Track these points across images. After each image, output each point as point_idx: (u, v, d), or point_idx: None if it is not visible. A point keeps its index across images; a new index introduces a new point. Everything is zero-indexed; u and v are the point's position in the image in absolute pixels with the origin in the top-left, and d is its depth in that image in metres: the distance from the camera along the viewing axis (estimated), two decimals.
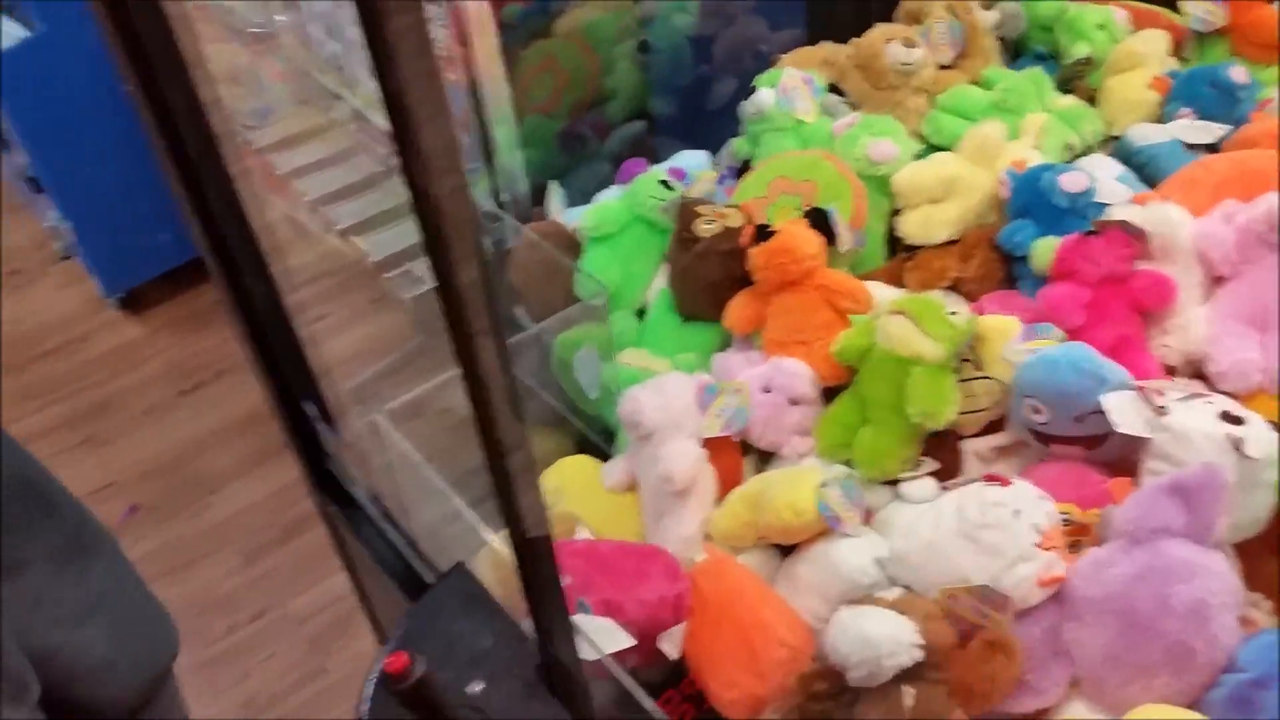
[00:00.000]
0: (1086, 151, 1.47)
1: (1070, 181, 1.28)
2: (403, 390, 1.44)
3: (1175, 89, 1.47)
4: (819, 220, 1.28)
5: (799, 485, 1.08)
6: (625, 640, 0.95)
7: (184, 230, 1.04)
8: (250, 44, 1.86)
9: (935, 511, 1.04)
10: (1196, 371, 1.20)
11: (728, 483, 1.20)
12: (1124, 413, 1.05)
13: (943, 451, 1.17)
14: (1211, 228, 1.19)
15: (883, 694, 0.92)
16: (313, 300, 1.39)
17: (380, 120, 1.77)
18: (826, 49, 1.58)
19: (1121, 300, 1.21)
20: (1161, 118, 1.48)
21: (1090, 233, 1.23)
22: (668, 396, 1.19)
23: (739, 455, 1.23)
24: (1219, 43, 1.63)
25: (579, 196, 1.55)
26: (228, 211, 1.14)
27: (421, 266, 1.61)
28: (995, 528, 0.97)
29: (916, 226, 1.36)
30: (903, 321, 1.14)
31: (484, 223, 1.51)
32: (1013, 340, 1.16)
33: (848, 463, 1.19)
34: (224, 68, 1.93)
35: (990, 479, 1.02)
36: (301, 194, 1.79)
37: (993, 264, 1.33)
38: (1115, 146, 1.47)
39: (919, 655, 0.91)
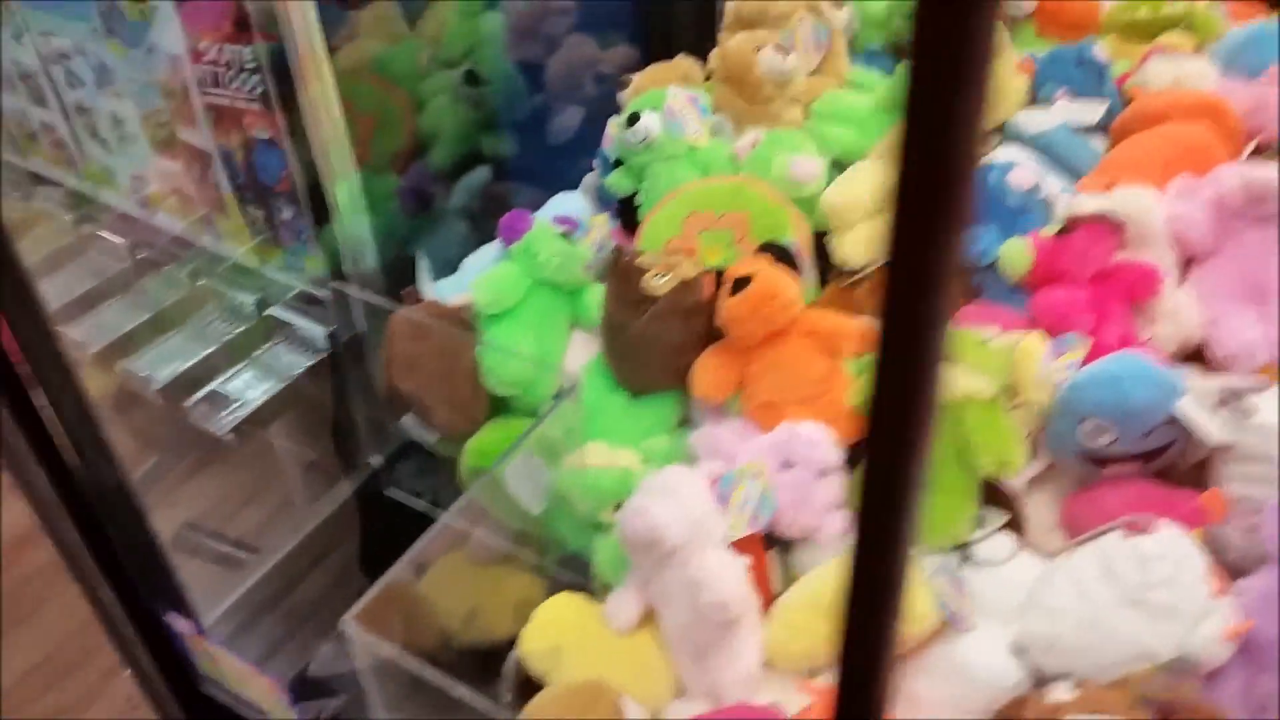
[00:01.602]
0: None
1: (1020, 178, 1.18)
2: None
3: (1041, 70, 1.42)
4: (780, 257, 1.08)
5: None
6: None
7: None
8: None
9: (1069, 579, 0.88)
10: (1188, 358, 1.14)
11: (761, 589, 0.97)
12: (1204, 419, 0.95)
13: (994, 498, 1.01)
14: (1182, 208, 1.13)
15: None
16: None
17: (122, 203, 1.34)
18: (685, 64, 1.38)
19: (1114, 296, 1.12)
20: (1035, 100, 1.43)
21: (1062, 230, 1.13)
22: (682, 500, 0.94)
23: (764, 552, 1.01)
24: (1026, 25, 1.63)
25: (436, 263, 1.24)
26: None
27: (232, 384, 1.23)
28: (1164, 585, 0.83)
29: (855, 247, 1.20)
30: None
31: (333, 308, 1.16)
32: (1045, 358, 1.02)
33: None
34: None
35: (1132, 528, 0.87)
36: None
37: None
38: (1003, 135, 1.40)
39: None
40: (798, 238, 1.16)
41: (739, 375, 1.07)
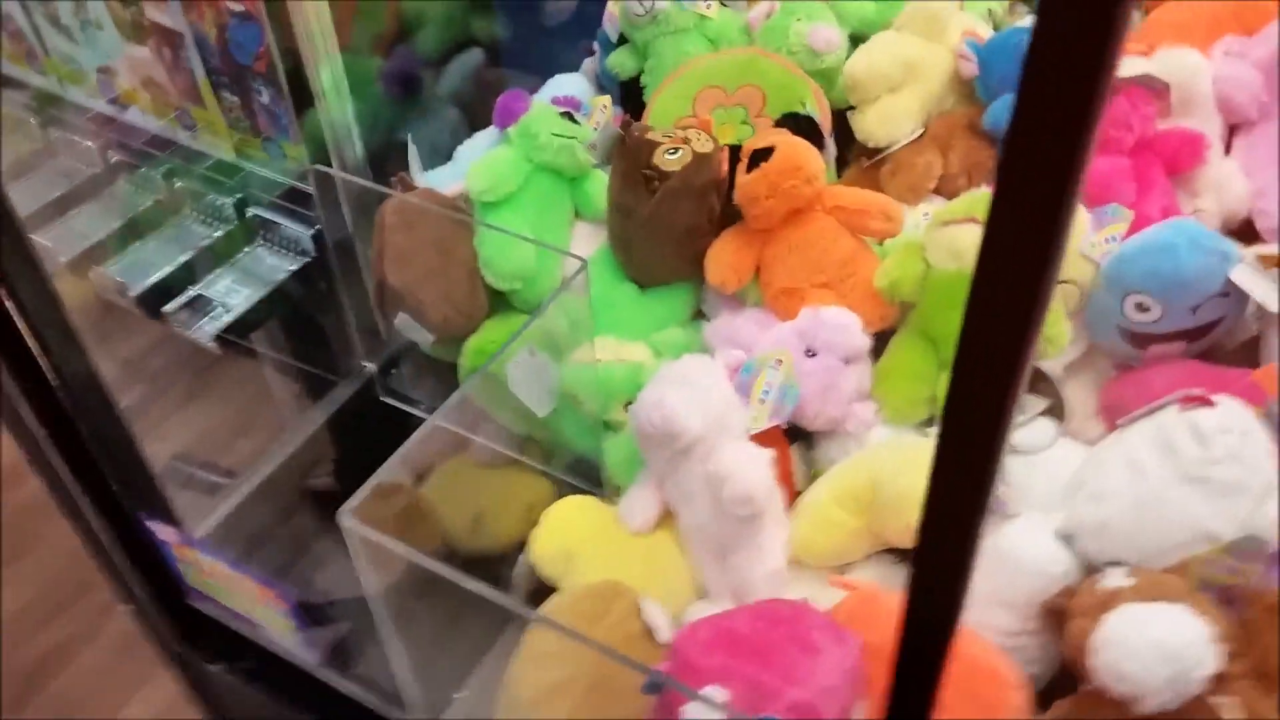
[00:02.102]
0: (1004, 20, 1.29)
1: None
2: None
3: None
4: (800, 129, 1.00)
5: None
6: None
7: None
8: None
9: (1121, 458, 0.81)
10: (1232, 234, 1.06)
11: (784, 485, 0.91)
12: (1265, 286, 0.88)
13: (1033, 384, 0.94)
14: (1230, 69, 1.05)
15: (1190, 716, 0.69)
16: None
17: (90, 101, 1.25)
18: None
19: (1156, 166, 1.04)
20: None
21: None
22: (701, 391, 0.87)
23: (787, 446, 0.94)
24: None
25: (427, 153, 1.16)
26: None
27: (214, 289, 1.15)
28: (1227, 461, 0.76)
29: (879, 123, 1.11)
30: (979, 230, 0.90)
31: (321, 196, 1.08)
32: (1086, 232, 0.95)
33: (930, 421, 0.94)
34: None
35: (1189, 401, 0.80)
36: None
37: (977, 153, 1.12)
38: (1031, 7, 1.31)
39: (1223, 653, 0.69)
40: (820, 111, 1.07)
41: (756, 260, 0.99)
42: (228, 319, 1.16)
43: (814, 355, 0.93)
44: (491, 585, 0.74)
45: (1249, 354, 0.97)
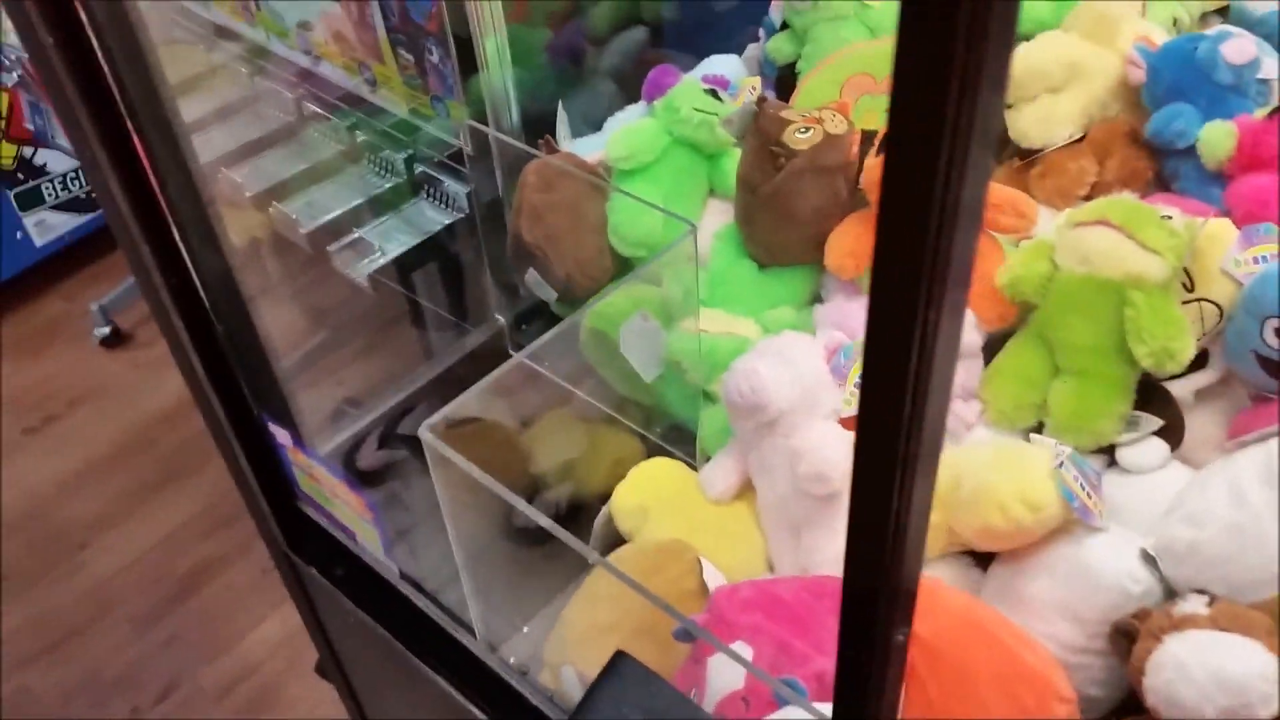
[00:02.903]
0: (1193, 29, 1.22)
1: (1236, 50, 1.02)
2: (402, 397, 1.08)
3: None
4: None
5: (1024, 470, 0.78)
6: None
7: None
8: None
9: (1224, 481, 0.76)
10: None
11: None
12: None
13: (1152, 402, 0.89)
14: None
15: None
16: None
17: (292, 54, 1.37)
18: None
19: None
20: None
21: (1275, 112, 0.98)
22: (793, 366, 0.87)
23: None
24: None
25: (579, 123, 1.20)
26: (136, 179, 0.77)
27: (375, 233, 1.24)
28: None
29: (1035, 123, 1.08)
30: (1109, 233, 0.86)
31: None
32: (1231, 249, 0.89)
33: (1037, 429, 0.90)
34: None
35: None
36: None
37: (1135, 162, 1.06)
38: (1225, 18, 1.23)
39: None
40: None
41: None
42: (382, 261, 1.25)
43: None
44: (572, 531, 0.77)
45: None
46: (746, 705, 0.66)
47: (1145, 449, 0.86)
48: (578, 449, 1.01)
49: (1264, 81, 1.05)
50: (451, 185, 1.29)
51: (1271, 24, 1.18)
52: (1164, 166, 1.06)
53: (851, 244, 0.98)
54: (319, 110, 1.41)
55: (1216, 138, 1.00)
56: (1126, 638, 0.74)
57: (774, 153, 0.98)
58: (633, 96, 1.23)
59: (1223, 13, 1.25)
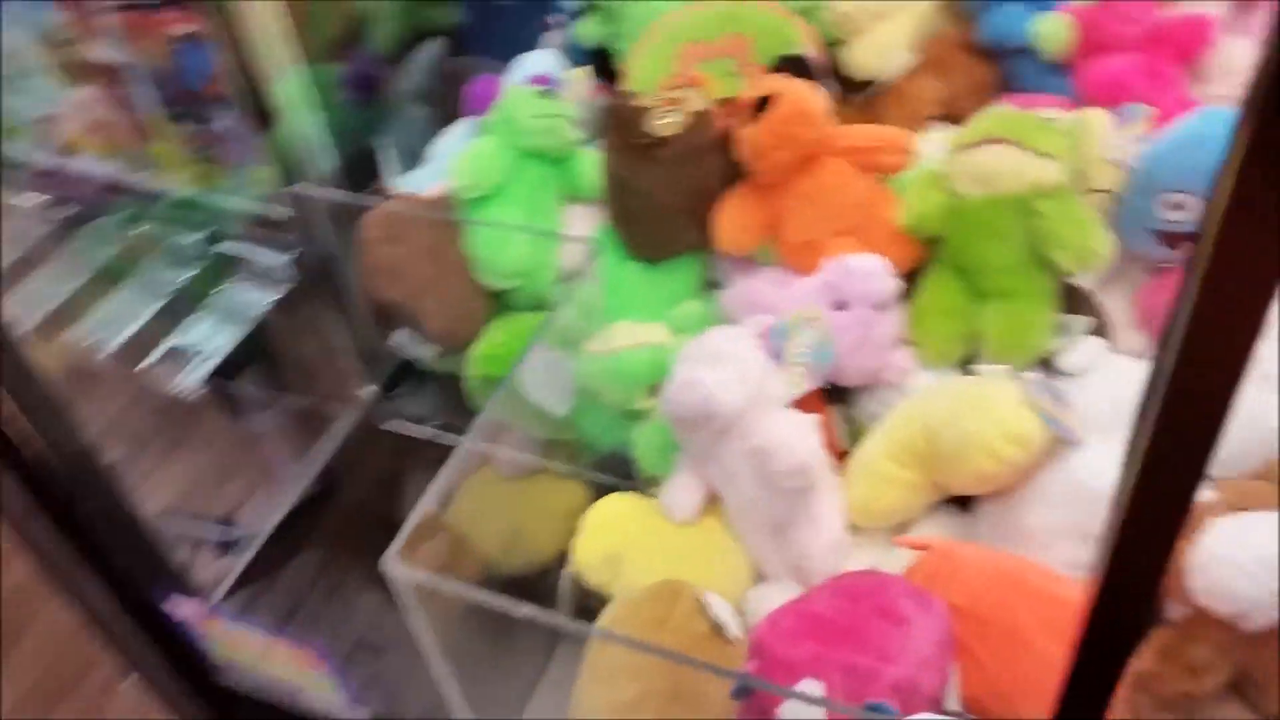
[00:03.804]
0: None
1: None
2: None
3: None
4: (797, 71, 0.94)
5: (999, 409, 0.76)
6: None
7: None
8: None
9: None
10: None
11: (829, 449, 0.85)
12: None
13: (1073, 304, 0.89)
14: None
15: None
16: None
17: (32, 153, 1.17)
18: None
19: (1165, 57, 0.99)
20: None
21: None
22: (735, 364, 0.81)
23: (826, 408, 0.89)
24: None
25: (401, 157, 1.09)
26: None
27: (190, 336, 1.09)
28: None
29: (872, 54, 1.05)
30: (1001, 149, 0.84)
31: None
32: (1108, 135, 0.89)
33: (971, 360, 0.88)
34: None
35: None
36: None
37: (975, 70, 1.06)
38: None
39: None
40: (813, 52, 1.01)
41: (768, 217, 0.93)
42: (209, 365, 1.09)
43: (845, 308, 0.87)
44: (536, 604, 0.68)
45: None
46: None
47: (1083, 350, 0.85)
48: (520, 513, 0.91)
49: None
50: (267, 256, 1.15)
51: None
52: (1002, 69, 1.07)
53: (741, 219, 0.93)
54: (81, 211, 1.22)
55: (1053, 29, 1.00)
56: None
57: (644, 145, 0.91)
58: (447, 116, 1.13)
59: None
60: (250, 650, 0.77)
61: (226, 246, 1.15)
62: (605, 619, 0.78)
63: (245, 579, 0.93)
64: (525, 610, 0.68)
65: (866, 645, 0.64)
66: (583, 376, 0.93)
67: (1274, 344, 0.72)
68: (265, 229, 1.12)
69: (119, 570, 0.77)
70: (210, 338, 1.13)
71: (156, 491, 1.19)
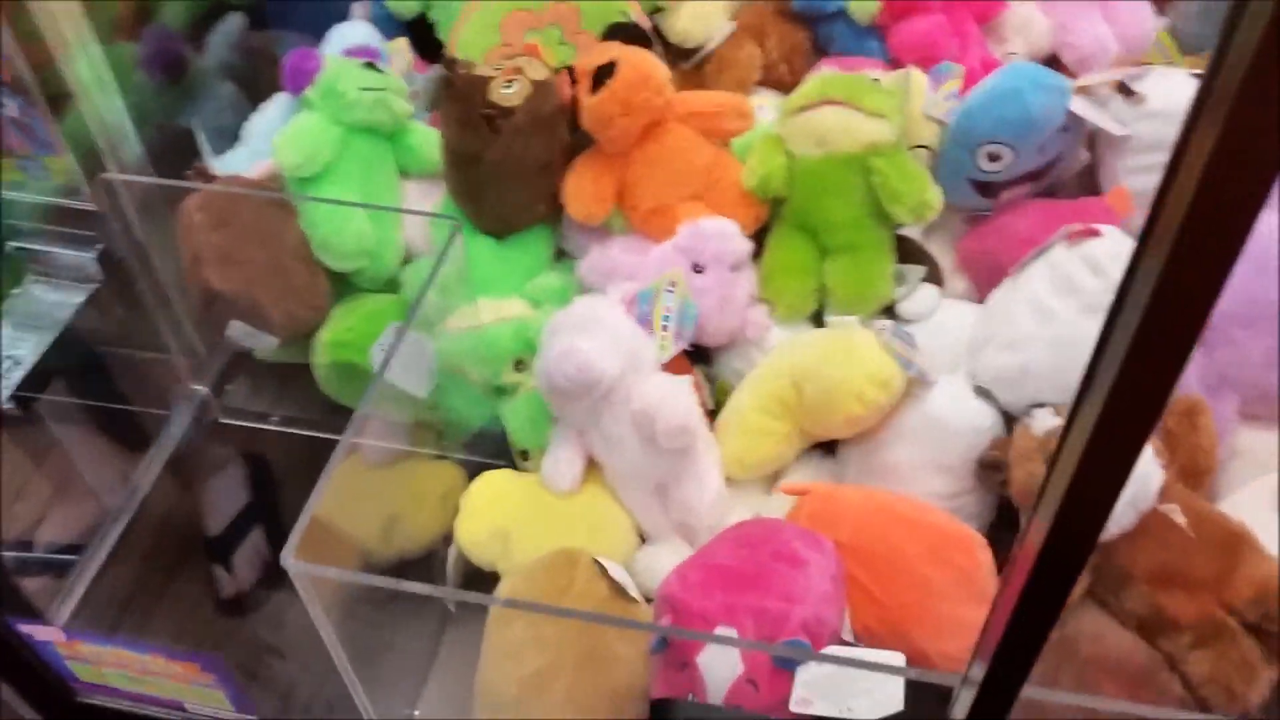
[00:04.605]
0: None
1: None
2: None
3: None
4: (631, 38, 0.95)
5: (860, 356, 0.81)
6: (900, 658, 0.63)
7: None
8: None
9: (1023, 304, 0.83)
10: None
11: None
12: (1104, 114, 0.92)
13: (906, 254, 0.95)
14: None
15: (1149, 528, 0.72)
16: None
17: None
18: None
19: (966, 18, 1.06)
20: None
21: None
22: (608, 331, 0.82)
23: (692, 368, 0.91)
24: None
25: (214, 138, 1.03)
26: None
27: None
28: None
29: (693, 23, 1.08)
30: (835, 110, 0.89)
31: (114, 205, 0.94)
32: (925, 91, 0.96)
33: (820, 312, 0.93)
34: None
35: (1075, 235, 0.82)
36: None
37: (792, 36, 1.11)
38: None
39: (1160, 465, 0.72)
40: (637, 17, 1.02)
41: (617, 185, 0.94)
42: (17, 376, 0.99)
43: (702, 270, 0.89)
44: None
45: (1084, 183, 1.02)
46: (755, 687, 0.63)
47: (920, 297, 0.92)
48: (395, 500, 0.89)
49: None
50: (68, 255, 1.05)
51: None
52: (817, 33, 1.11)
53: (591, 188, 0.94)
54: None
55: None
56: (995, 469, 0.80)
57: (486, 116, 0.89)
58: (258, 93, 1.06)
59: None
60: (123, 669, 0.71)
61: (19, 244, 1.05)
62: (503, 593, 0.78)
63: (90, 598, 0.86)
64: (427, 588, 0.67)
65: (772, 589, 0.67)
66: (445, 355, 0.91)
67: (1092, 278, 0.80)
68: (64, 224, 1.02)
69: None
70: (13, 346, 1.03)
71: None
